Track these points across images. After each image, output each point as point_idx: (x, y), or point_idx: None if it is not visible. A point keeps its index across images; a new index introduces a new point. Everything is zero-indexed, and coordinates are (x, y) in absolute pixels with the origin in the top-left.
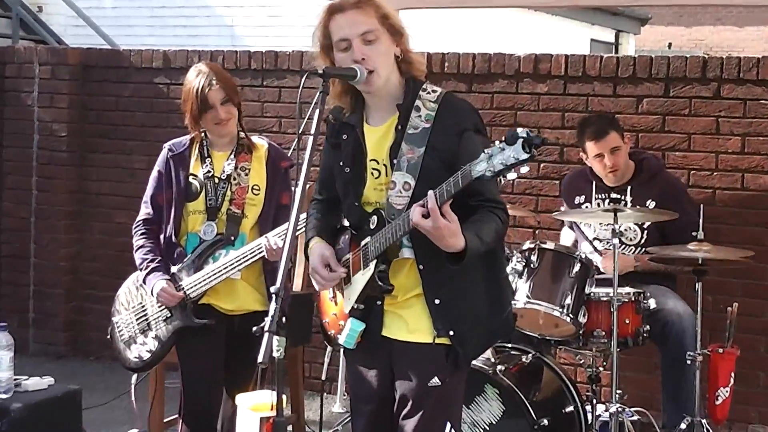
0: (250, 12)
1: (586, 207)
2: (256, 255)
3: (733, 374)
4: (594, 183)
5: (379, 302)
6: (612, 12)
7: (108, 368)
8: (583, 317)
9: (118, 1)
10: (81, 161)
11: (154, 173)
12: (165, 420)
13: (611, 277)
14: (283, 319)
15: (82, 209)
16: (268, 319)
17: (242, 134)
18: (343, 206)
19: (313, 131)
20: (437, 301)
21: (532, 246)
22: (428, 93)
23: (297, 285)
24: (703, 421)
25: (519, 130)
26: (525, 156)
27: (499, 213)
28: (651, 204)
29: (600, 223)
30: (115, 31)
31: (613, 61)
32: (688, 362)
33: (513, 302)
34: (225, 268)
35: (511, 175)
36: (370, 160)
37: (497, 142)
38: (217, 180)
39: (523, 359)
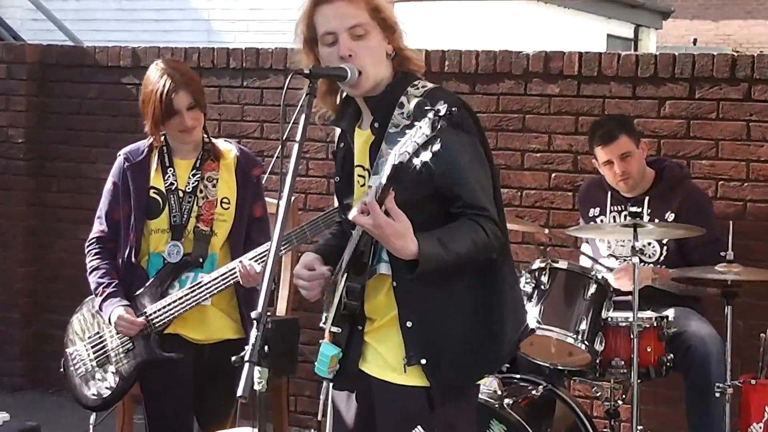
0: (228, 4)
1: (601, 220)
2: (228, 281)
3: (767, 408)
4: (609, 193)
5: (360, 327)
6: (631, 4)
7: (70, 402)
8: (599, 345)
9: None
10: (40, 170)
11: (108, 185)
12: None
13: (631, 300)
14: (266, 347)
15: (41, 224)
16: (248, 348)
17: (207, 139)
18: (343, 222)
19: (298, 137)
20: (409, 324)
21: (543, 265)
22: (417, 88)
23: (281, 309)
24: None
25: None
26: (432, 131)
27: (483, 222)
28: (670, 216)
29: (617, 240)
30: (78, 25)
31: (631, 60)
32: (717, 395)
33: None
34: (194, 295)
35: (425, 156)
36: (357, 167)
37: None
38: (181, 193)
39: (534, 392)
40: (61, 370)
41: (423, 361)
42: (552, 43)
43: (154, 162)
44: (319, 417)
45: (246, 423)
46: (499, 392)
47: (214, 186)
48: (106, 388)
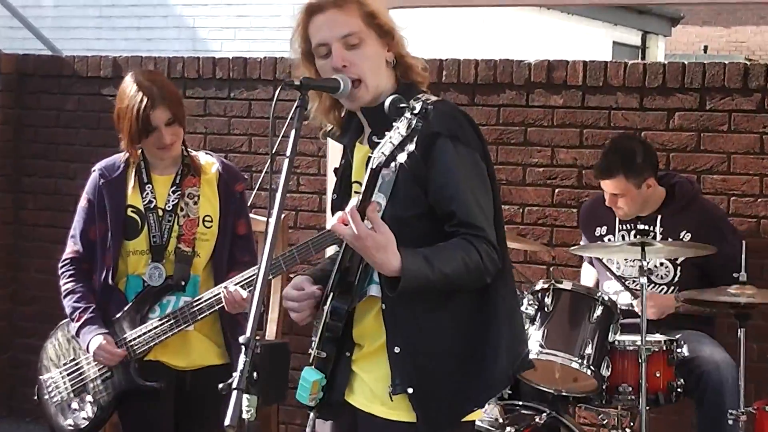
0: (214, 11)
1: (609, 239)
2: (213, 307)
3: None
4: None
5: (347, 354)
6: (638, 10)
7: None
8: (606, 370)
9: (61, 0)
10: (15, 186)
11: (82, 202)
12: None
13: (638, 322)
14: (255, 374)
15: (16, 243)
16: (236, 375)
17: (186, 152)
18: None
19: (288, 152)
20: (397, 350)
21: (546, 286)
22: (419, 101)
23: (271, 333)
24: None
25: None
26: (406, 132)
27: (477, 242)
28: (686, 236)
29: (625, 259)
30: (56, 33)
31: (639, 69)
32: (730, 422)
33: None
34: (177, 322)
35: (401, 157)
36: (354, 182)
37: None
38: (161, 212)
39: (537, 419)
40: (35, 398)
41: (410, 390)
42: (555, 51)
43: (131, 178)
44: None
45: None
46: (501, 420)
47: (195, 203)
48: (83, 418)
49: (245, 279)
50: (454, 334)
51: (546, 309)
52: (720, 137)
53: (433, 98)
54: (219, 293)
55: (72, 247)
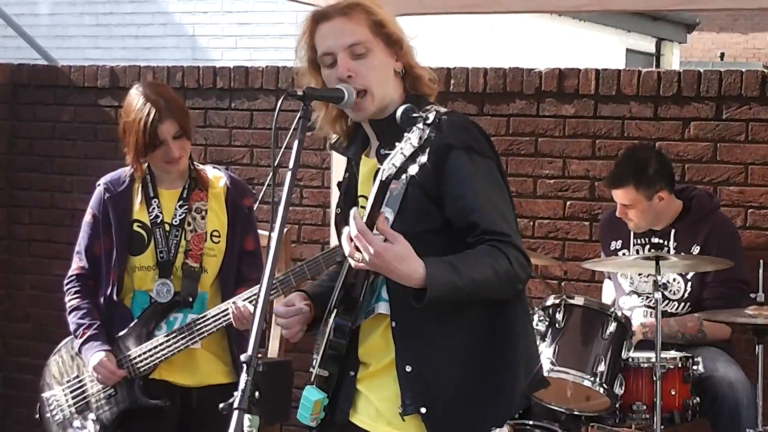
0: (214, 19)
1: (623, 254)
2: (220, 322)
3: None
4: None
5: (351, 373)
6: (652, 17)
7: None
8: (619, 388)
9: (56, 8)
10: (9, 200)
11: (87, 217)
12: None
13: (652, 339)
14: (256, 393)
15: (10, 259)
16: (237, 394)
17: (192, 166)
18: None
19: (291, 164)
20: (408, 368)
21: (557, 301)
22: (429, 113)
23: (273, 350)
24: None
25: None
26: (419, 143)
27: (505, 248)
28: (695, 249)
29: (639, 274)
30: (51, 42)
31: (653, 77)
32: None
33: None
34: (183, 339)
35: (413, 169)
36: (360, 197)
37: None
38: (167, 227)
39: None
40: (37, 416)
41: (422, 410)
42: (567, 59)
43: (138, 192)
44: None
45: None
46: None
47: (203, 218)
48: None
49: (254, 294)
50: (468, 352)
51: (557, 325)
52: (737, 147)
53: (443, 110)
54: (226, 308)
55: (77, 263)
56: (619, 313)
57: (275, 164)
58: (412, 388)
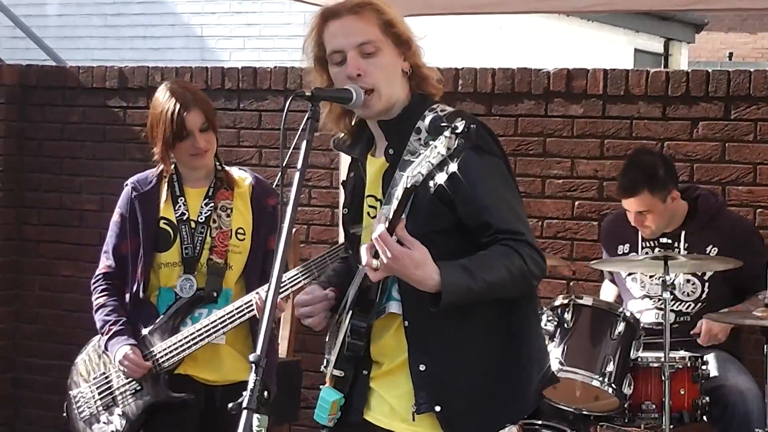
0: (223, 20)
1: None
2: (244, 314)
3: None
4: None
5: (365, 372)
6: (661, 17)
7: None
8: (628, 388)
9: (64, 9)
10: (18, 201)
11: (115, 217)
12: None
13: (661, 340)
14: (265, 393)
15: (19, 260)
16: (246, 394)
17: (219, 166)
18: (350, 255)
19: (300, 164)
20: (422, 368)
21: (566, 302)
22: (435, 113)
23: (282, 350)
24: None
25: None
26: (449, 151)
27: (519, 246)
28: (713, 251)
29: (650, 276)
30: (60, 43)
31: (661, 77)
32: None
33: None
34: (207, 331)
35: (440, 177)
36: (368, 197)
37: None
38: (193, 224)
39: None
40: (64, 414)
41: (437, 409)
42: (575, 59)
43: (164, 191)
44: None
45: None
46: None
47: (228, 216)
48: (112, 431)
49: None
50: (482, 350)
51: (566, 325)
52: (745, 147)
53: (449, 109)
54: (250, 300)
55: (104, 262)
56: (628, 313)
57: (284, 165)
58: (426, 387)
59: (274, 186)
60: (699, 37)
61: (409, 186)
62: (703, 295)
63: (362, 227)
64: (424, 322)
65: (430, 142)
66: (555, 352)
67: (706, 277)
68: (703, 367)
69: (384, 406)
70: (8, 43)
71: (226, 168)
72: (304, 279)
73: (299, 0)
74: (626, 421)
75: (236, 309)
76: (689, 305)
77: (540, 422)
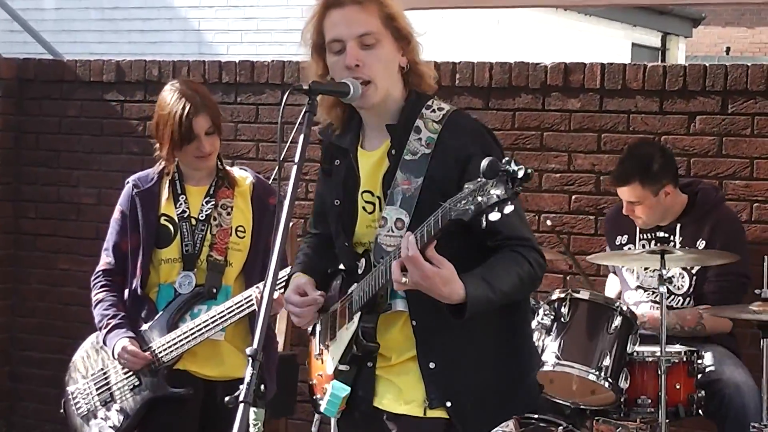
0: (220, 14)
1: (629, 248)
2: (243, 309)
3: None
4: None
5: (369, 364)
6: (658, 11)
7: None
8: (624, 382)
9: (62, 2)
10: (16, 195)
11: (115, 214)
12: None
13: (656, 333)
14: (262, 386)
15: (16, 253)
16: (243, 387)
17: (220, 165)
18: (335, 246)
19: (297, 158)
20: (432, 365)
21: (563, 296)
22: (433, 111)
23: (278, 344)
24: None
25: (504, 160)
26: (506, 195)
27: (526, 252)
28: (701, 244)
29: (645, 268)
30: (57, 37)
31: (659, 71)
32: None
33: (538, 366)
34: (206, 327)
35: (494, 216)
36: (363, 192)
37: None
38: (194, 221)
39: None
40: (62, 411)
41: (448, 404)
42: (572, 54)
43: (165, 189)
44: None
45: None
46: None
47: (228, 214)
48: (110, 427)
49: (278, 279)
50: (488, 346)
51: (563, 319)
52: (743, 141)
53: (446, 107)
54: (249, 295)
55: (104, 259)
56: (625, 308)
57: (281, 158)
58: (436, 384)
59: (271, 180)
60: (696, 31)
61: (454, 219)
62: (691, 289)
63: (357, 224)
64: (432, 321)
65: (481, 179)
66: (552, 346)
67: (693, 271)
68: (699, 361)
69: (392, 389)
70: (5, 36)
71: (227, 168)
72: None
73: None
74: (622, 415)
75: (236, 304)
76: (679, 299)
77: (536, 416)
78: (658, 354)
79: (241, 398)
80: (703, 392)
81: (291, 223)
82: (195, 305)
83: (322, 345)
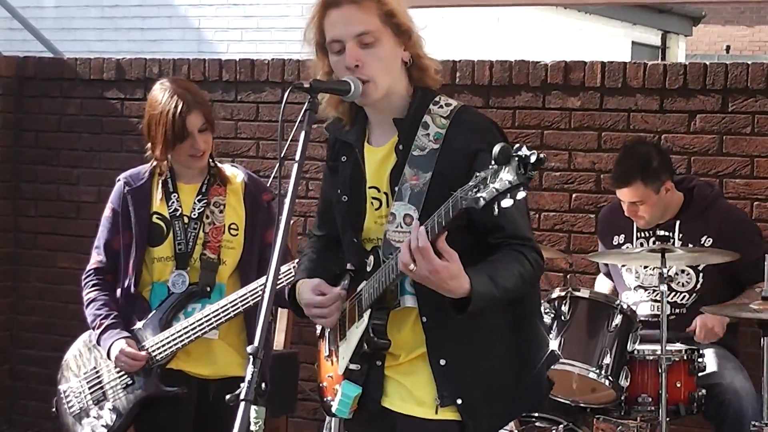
0: (220, 12)
1: (627, 248)
2: (237, 308)
3: None
4: None
5: (379, 363)
6: (658, 9)
7: None
8: (625, 380)
9: (62, 0)
10: (15, 193)
11: (107, 212)
12: None
13: (657, 332)
14: (263, 384)
15: (16, 251)
16: (244, 386)
17: (212, 162)
18: (342, 243)
19: (297, 156)
20: (443, 362)
21: (563, 294)
22: (440, 107)
23: (279, 342)
24: None
25: (515, 146)
26: (519, 180)
27: (527, 252)
28: (707, 241)
29: (645, 267)
30: (57, 35)
31: (659, 70)
32: None
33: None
34: (200, 325)
35: (506, 203)
36: (370, 188)
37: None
38: (186, 220)
39: (554, 431)
40: (53, 410)
41: (459, 401)
42: (572, 52)
43: (157, 187)
44: None
45: None
46: None
47: (221, 211)
48: (102, 426)
49: (281, 273)
50: (498, 342)
51: (563, 317)
52: (743, 140)
53: (454, 102)
54: (244, 293)
55: (95, 257)
56: (625, 306)
57: (281, 157)
58: (447, 380)
59: (271, 178)
60: (696, 29)
61: (467, 208)
62: (698, 286)
63: (365, 221)
64: (442, 317)
65: (492, 165)
66: (552, 344)
67: (700, 268)
68: (700, 359)
69: (401, 391)
70: (5, 34)
71: (219, 165)
72: None
73: None
74: (623, 413)
75: (230, 303)
76: (684, 296)
77: (537, 414)
78: (659, 352)
79: (242, 396)
80: (703, 391)
81: (291, 221)
82: (189, 304)
83: (332, 346)
